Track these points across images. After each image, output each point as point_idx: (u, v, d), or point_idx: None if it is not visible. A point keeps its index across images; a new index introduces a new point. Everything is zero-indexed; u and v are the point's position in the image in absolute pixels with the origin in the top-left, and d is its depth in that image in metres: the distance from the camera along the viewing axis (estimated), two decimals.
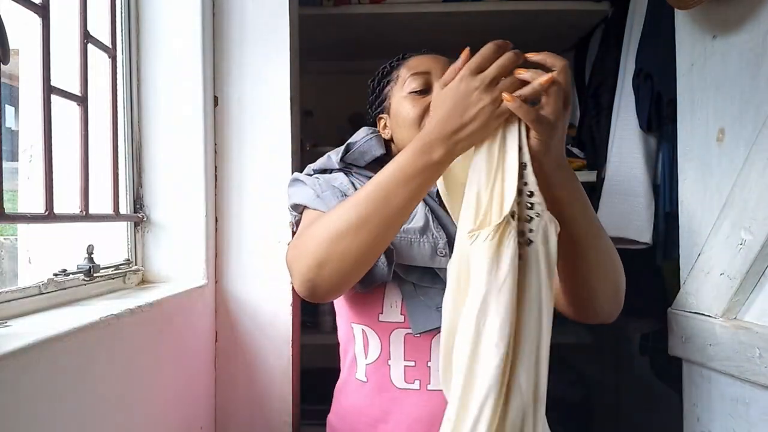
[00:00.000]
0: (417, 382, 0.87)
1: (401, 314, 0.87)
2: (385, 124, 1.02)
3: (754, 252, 0.90)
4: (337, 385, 1.02)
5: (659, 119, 1.31)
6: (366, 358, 0.91)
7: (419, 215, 0.87)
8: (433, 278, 0.86)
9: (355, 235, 0.68)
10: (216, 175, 1.22)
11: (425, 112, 0.91)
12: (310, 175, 0.99)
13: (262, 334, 1.21)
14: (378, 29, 1.76)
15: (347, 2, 1.65)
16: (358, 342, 0.92)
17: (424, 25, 1.72)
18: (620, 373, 1.97)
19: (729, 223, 0.95)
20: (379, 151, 0.98)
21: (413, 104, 0.93)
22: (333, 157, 0.99)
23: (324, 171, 1.00)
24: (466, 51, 0.64)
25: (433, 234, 0.84)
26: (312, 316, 1.82)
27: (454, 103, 0.62)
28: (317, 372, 1.80)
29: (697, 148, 1.04)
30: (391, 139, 1.01)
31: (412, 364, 0.87)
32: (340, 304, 0.97)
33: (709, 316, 0.98)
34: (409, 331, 0.86)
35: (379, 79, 1.04)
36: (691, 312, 1.03)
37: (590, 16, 1.70)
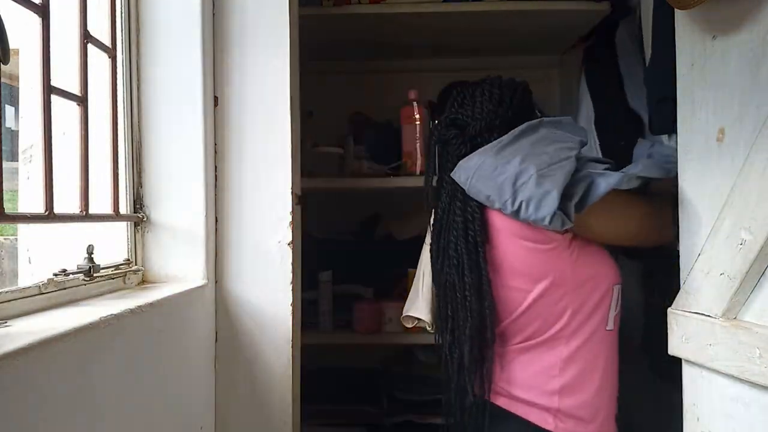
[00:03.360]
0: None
1: None
2: None
3: (754, 252, 0.90)
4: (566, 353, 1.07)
5: (663, 120, 1.30)
6: (615, 309, 1.10)
7: None
8: None
9: None
10: (216, 175, 1.22)
11: None
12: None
13: (262, 334, 1.21)
14: (378, 29, 1.76)
15: (347, 2, 1.64)
16: (613, 299, 1.09)
17: (424, 25, 1.72)
18: (620, 373, 1.97)
19: (729, 223, 0.95)
20: None
21: None
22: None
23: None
24: None
25: None
26: (312, 316, 1.82)
27: None
28: (317, 372, 1.81)
29: (697, 148, 1.04)
30: None
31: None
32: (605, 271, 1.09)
33: (709, 316, 0.98)
34: None
35: (528, 91, 1.22)
36: (691, 312, 1.03)
37: (590, 16, 1.70)
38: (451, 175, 1.12)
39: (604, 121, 1.75)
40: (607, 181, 0.97)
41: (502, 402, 1.10)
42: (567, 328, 1.05)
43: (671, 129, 1.33)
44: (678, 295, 1.08)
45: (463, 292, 1.07)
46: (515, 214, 0.99)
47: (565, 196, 0.95)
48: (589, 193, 0.97)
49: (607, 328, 1.07)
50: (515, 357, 1.09)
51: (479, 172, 1.05)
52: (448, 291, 1.12)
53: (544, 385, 1.05)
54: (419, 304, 1.23)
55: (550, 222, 0.95)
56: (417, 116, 1.70)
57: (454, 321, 1.11)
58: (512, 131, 1.09)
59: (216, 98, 1.21)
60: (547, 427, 1.05)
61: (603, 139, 1.75)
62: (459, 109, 1.17)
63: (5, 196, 0.73)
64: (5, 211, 0.74)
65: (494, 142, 1.09)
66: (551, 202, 0.94)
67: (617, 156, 1.58)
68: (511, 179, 1.00)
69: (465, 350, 1.08)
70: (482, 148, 1.10)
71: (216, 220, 1.22)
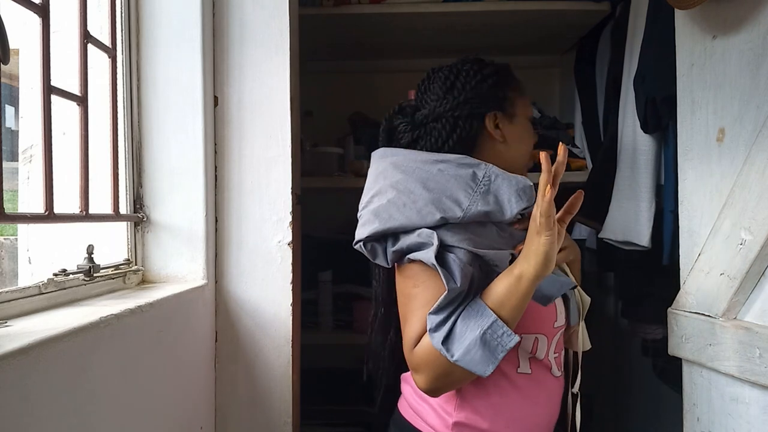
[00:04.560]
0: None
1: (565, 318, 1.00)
2: (498, 124, 1.01)
3: (754, 252, 0.90)
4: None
5: (656, 120, 1.31)
6: (531, 353, 0.96)
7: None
8: None
9: None
10: (216, 175, 1.22)
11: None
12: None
13: (262, 334, 1.21)
14: (378, 29, 1.76)
15: (347, 2, 1.65)
16: (521, 346, 0.95)
17: (424, 25, 1.72)
18: (621, 374, 1.97)
19: (729, 223, 0.95)
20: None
21: (531, 143, 1.06)
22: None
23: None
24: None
25: None
26: (312, 316, 1.82)
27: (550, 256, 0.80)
28: (317, 372, 1.81)
29: (697, 148, 1.04)
30: (502, 140, 1.01)
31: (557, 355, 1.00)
32: None
33: (709, 316, 0.98)
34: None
35: (500, 76, 1.03)
36: (691, 312, 1.03)
37: (590, 16, 1.70)
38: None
39: (587, 123, 1.79)
40: (395, 246, 0.90)
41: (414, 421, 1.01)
42: None
43: (659, 128, 1.33)
44: (678, 295, 1.08)
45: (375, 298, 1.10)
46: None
47: (392, 239, 0.91)
48: (409, 248, 0.89)
49: (519, 371, 0.94)
50: None
51: (372, 167, 1.01)
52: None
53: (442, 418, 0.95)
54: None
55: (356, 245, 0.95)
56: None
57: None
58: (454, 155, 0.96)
59: (216, 98, 1.22)
60: None
61: (588, 137, 1.78)
62: (418, 95, 1.06)
63: (5, 196, 0.73)
64: (5, 211, 0.74)
65: (429, 154, 0.97)
66: (363, 231, 0.93)
67: (600, 153, 1.60)
68: (371, 190, 0.96)
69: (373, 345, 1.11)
70: (414, 151, 0.99)
71: (216, 220, 1.22)
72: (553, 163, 0.77)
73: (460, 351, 0.81)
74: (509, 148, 1.02)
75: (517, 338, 0.81)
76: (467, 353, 0.80)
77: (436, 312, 0.84)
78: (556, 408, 1.01)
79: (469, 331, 0.81)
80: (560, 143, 0.79)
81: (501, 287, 0.84)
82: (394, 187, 0.92)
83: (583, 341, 1.03)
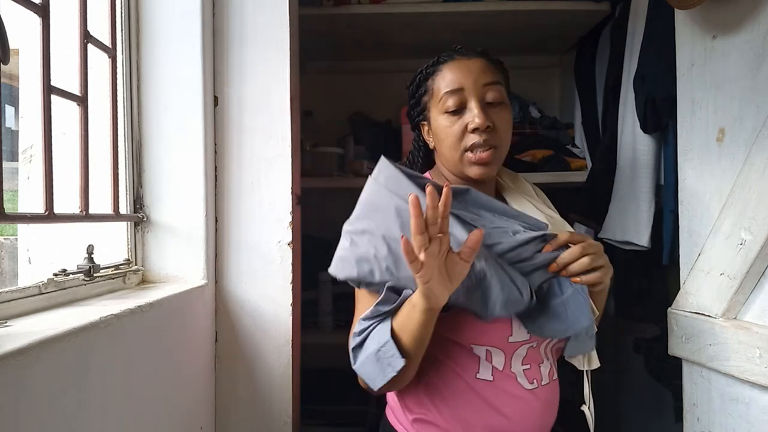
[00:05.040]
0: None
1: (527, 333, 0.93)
2: (428, 131, 1.04)
3: (754, 252, 0.90)
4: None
5: (656, 119, 1.31)
6: (491, 363, 0.94)
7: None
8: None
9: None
10: (216, 175, 1.22)
11: (463, 131, 0.95)
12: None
13: (262, 334, 1.21)
14: (378, 29, 1.76)
15: (347, 2, 1.65)
16: (482, 358, 0.94)
17: (424, 25, 1.72)
18: (620, 374, 1.97)
19: (729, 223, 0.95)
20: None
21: (451, 125, 0.96)
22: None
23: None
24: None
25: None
26: (312, 316, 1.82)
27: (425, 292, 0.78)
28: (317, 372, 1.81)
29: (697, 148, 1.04)
30: (433, 146, 1.04)
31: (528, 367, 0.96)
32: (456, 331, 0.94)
33: (709, 316, 0.98)
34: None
35: (416, 86, 1.05)
36: (691, 312, 1.03)
37: (590, 16, 1.70)
38: None
39: (587, 123, 1.78)
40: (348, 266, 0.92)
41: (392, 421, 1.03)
42: None
43: (659, 128, 1.33)
44: (678, 295, 1.08)
45: None
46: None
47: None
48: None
49: (479, 377, 0.92)
50: None
51: (377, 178, 0.98)
52: None
53: (405, 414, 0.97)
54: None
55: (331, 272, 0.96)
56: None
57: None
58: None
59: (216, 98, 1.22)
60: None
61: (588, 137, 1.78)
62: None
63: (5, 196, 0.73)
64: (5, 211, 0.74)
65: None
66: (341, 272, 0.93)
67: (598, 153, 1.61)
68: (365, 214, 0.95)
69: None
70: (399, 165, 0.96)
71: (216, 220, 1.22)
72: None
73: (359, 361, 0.87)
74: (438, 152, 1.01)
75: (402, 362, 0.82)
76: (363, 365, 0.86)
77: (367, 318, 0.88)
78: (534, 421, 0.96)
79: (371, 345, 0.85)
80: (428, 184, 0.73)
81: (403, 312, 0.85)
82: (386, 241, 0.88)
83: (589, 360, 0.99)
